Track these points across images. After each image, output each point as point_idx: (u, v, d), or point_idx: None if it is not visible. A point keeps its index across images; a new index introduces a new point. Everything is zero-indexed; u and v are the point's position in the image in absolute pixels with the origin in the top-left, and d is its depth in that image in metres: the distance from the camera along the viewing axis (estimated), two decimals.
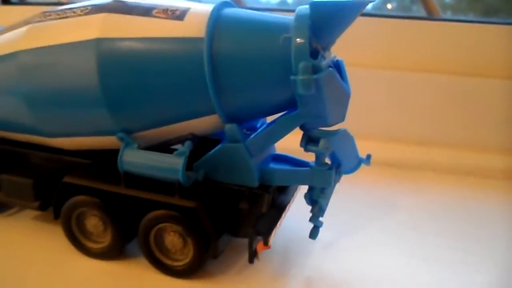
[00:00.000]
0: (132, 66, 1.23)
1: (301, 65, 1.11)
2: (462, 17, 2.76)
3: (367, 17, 2.34)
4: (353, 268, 1.43)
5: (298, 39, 1.13)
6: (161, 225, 1.32)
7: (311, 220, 1.41)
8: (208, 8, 1.27)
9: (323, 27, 1.15)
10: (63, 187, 1.40)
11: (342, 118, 1.27)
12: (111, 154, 1.33)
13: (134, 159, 1.29)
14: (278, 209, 1.38)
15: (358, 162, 1.44)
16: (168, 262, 1.36)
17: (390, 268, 1.43)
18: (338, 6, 1.14)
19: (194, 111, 1.27)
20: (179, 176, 1.24)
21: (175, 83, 1.23)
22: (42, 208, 1.49)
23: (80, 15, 1.31)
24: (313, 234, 1.42)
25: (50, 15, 1.38)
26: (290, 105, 1.25)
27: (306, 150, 1.31)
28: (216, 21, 1.20)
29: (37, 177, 1.48)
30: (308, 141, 1.29)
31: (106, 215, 1.37)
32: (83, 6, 1.34)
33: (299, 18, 1.15)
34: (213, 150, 1.30)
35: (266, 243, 1.22)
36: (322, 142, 1.25)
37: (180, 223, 1.29)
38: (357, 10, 1.15)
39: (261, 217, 1.29)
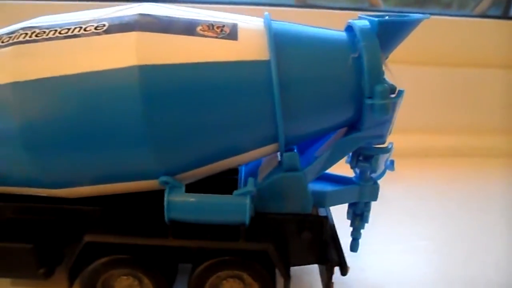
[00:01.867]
0: (182, 98, 1.02)
1: (379, 88, 1.06)
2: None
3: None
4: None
5: (371, 60, 1.07)
6: (220, 273, 1.16)
7: (353, 234, 1.40)
8: (254, 22, 1.12)
9: (387, 44, 1.12)
10: (85, 249, 1.12)
11: (389, 134, 1.27)
12: (122, 196, 1.13)
13: (185, 204, 1.10)
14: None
15: (384, 169, 1.47)
16: None
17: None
18: (405, 24, 1.11)
19: (253, 143, 1.12)
20: (246, 218, 1.09)
21: (235, 114, 1.06)
22: (47, 275, 1.18)
23: (96, 33, 1.02)
24: (354, 247, 1.42)
25: (40, 33, 1.05)
26: (345, 125, 1.20)
27: (355, 167, 1.28)
28: (277, 41, 1.06)
29: (37, 240, 1.16)
30: (359, 159, 1.26)
31: (144, 274, 1.14)
32: (93, 21, 1.05)
33: (367, 36, 1.09)
34: (266, 181, 1.17)
35: (345, 273, 1.17)
36: (377, 160, 1.24)
37: (246, 268, 1.15)
38: (415, 25, 1.14)
39: (325, 244, 1.23)
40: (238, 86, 1.04)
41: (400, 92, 1.08)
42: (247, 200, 1.09)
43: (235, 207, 1.09)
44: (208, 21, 1.08)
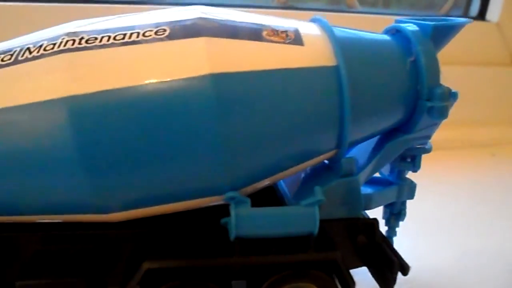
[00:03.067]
0: (256, 106, 0.96)
1: (439, 90, 1.09)
2: None
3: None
4: None
5: (429, 63, 1.10)
6: (290, 286, 1.11)
7: (388, 232, 1.43)
8: (309, 26, 1.09)
9: (435, 47, 1.15)
10: (147, 276, 1.01)
11: None
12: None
13: (253, 220, 1.04)
14: None
15: None
16: None
17: None
18: (454, 27, 1.15)
19: (316, 150, 1.09)
20: (315, 228, 1.06)
21: (304, 121, 1.02)
22: None
23: (159, 39, 0.93)
24: None
25: (91, 39, 0.92)
26: (391, 128, 1.21)
27: (397, 168, 1.31)
28: (341, 46, 1.04)
29: (87, 271, 1.02)
30: (401, 159, 1.29)
31: None
32: (151, 26, 0.95)
33: (422, 40, 1.11)
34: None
35: (406, 273, 1.18)
36: (420, 159, 1.28)
37: (312, 279, 1.12)
38: (460, 29, 1.18)
39: (379, 246, 1.24)
40: (309, 93, 1.01)
41: (455, 94, 1.12)
42: (315, 210, 1.06)
43: (305, 217, 1.06)
44: (270, 25, 1.03)
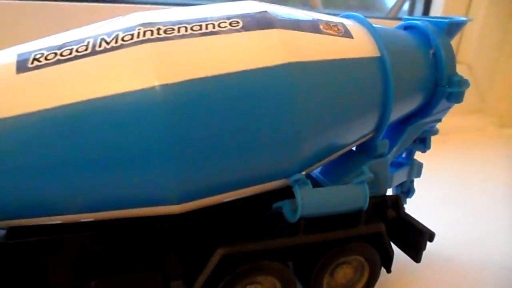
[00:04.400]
0: (324, 93, 1.03)
1: (456, 78, 1.26)
2: None
3: None
4: None
5: (448, 55, 1.26)
6: (339, 261, 1.21)
7: None
8: (350, 22, 1.20)
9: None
10: (219, 263, 1.03)
11: None
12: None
13: (316, 199, 1.11)
14: None
15: None
16: None
17: None
18: (460, 24, 1.33)
19: (365, 131, 1.19)
20: (365, 204, 1.17)
21: (357, 106, 1.12)
22: None
23: (235, 30, 0.96)
24: None
25: (169, 30, 0.93)
26: (412, 113, 1.36)
27: (409, 149, 1.47)
28: (381, 40, 1.16)
29: (162, 265, 1.01)
30: (413, 141, 1.45)
31: (278, 278, 1.12)
32: (222, 18, 0.98)
33: (441, 35, 1.27)
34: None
35: (433, 240, 1.33)
36: (430, 140, 1.46)
37: (361, 252, 1.22)
38: (463, 26, 1.37)
39: (405, 219, 1.38)
40: (360, 80, 1.11)
41: (468, 82, 1.30)
42: (366, 188, 1.16)
43: (357, 194, 1.16)
44: (322, 19, 1.12)
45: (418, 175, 1.54)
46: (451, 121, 2.99)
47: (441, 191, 2.11)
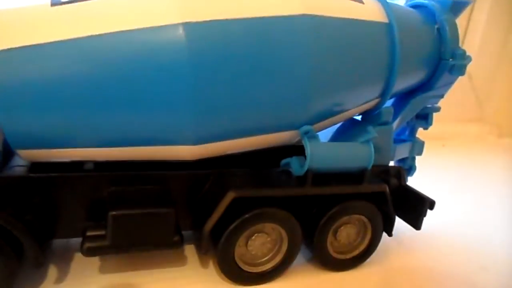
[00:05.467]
0: (336, 47, 1.10)
1: (460, 51, 1.33)
2: None
3: None
4: None
5: (452, 30, 1.33)
6: (344, 218, 1.25)
7: None
8: None
9: None
10: (232, 205, 1.08)
11: None
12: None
13: (323, 154, 1.16)
14: None
15: None
16: (341, 256, 1.30)
17: None
18: (464, 4, 1.40)
19: (371, 96, 1.25)
20: (370, 163, 1.22)
21: (367, 66, 1.19)
22: (180, 244, 1.08)
23: None
24: None
25: None
26: (417, 85, 1.42)
27: (414, 125, 1.53)
28: (390, 9, 1.23)
29: (176, 203, 1.06)
30: (416, 117, 1.51)
31: (283, 227, 1.16)
32: None
33: (446, 12, 1.35)
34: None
35: (433, 208, 1.37)
36: (432, 116, 1.52)
37: (365, 210, 1.27)
38: (466, 7, 1.45)
39: (406, 188, 1.42)
40: (369, 41, 1.18)
41: (470, 57, 1.37)
42: (371, 147, 1.22)
43: (363, 152, 1.21)
44: None
45: (420, 152, 1.59)
46: (451, 128, 3.07)
47: (442, 188, 2.17)
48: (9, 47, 0.88)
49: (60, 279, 1.12)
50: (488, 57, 3.42)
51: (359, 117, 1.38)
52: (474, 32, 3.27)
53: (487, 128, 3.59)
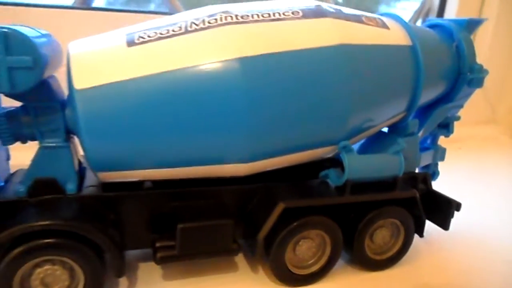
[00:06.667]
0: (369, 71, 1.23)
1: (477, 66, 1.46)
2: None
3: None
4: None
5: (469, 47, 1.47)
6: (379, 222, 1.38)
7: None
8: (387, 18, 1.41)
9: None
10: (282, 214, 1.21)
11: None
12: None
13: (359, 165, 1.30)
14: None
15: None
16: (377, 257, 1.42)
17: None
18: (478, 23, 1.54)
19: (399, 110, 1.38)
20: (401, 171, 1.35)
21: (395, 85, 1.32)
22: (237, 251, 1.22)
23: (296, 18, 1.18)
24: None
25: (245, 16, 1.14)
26: (437, 98, 1.55)
27: (436, 134, 1.66)
28: (412, 32, 1.37)
29: (235, 215, 1.20)
30: (437, 126, 1.64)
31: (327, 233, 1.30)
32: (285, 9, 1.20)
33: (462, 31, 1.48)
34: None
35: (459, 209, 1.49)
36: (453, 125, 1.64)
37: (397, 215, 1.39)
38: (479, 26, 1.58)
39: (434, 192, 1.54)
40: (397, 63, 1.31)
41: (487, 71, 1.49)
42: (401, 157, 1.35)
43: (394, 162, 1.34)
44: (363, 14, 1.33)
45: (442, 158, 1.71)
46: (465, 131, 3.19)
47: (458, 189, 2.28)
48: (97, 84, 1.03)
49: (132, 285, 1.26)
50: (498, 60, 3.54)
51: (385, 129, 1.52)
52: (484, 34, 3.39)
53: (501, 129, 3.70)
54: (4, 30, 0.96)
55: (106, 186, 1.21)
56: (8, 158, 1.41)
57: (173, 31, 1.11)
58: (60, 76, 1.20)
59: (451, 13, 3.35)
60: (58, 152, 1.15)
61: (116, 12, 2.57)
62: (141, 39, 1.10)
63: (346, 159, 1.27)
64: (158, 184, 1.25)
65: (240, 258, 1.44)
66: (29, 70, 0.99)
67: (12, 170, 1.32)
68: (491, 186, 2.41)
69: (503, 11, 3.35)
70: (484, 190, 2.31)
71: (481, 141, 3.43)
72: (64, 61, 1.14)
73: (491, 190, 2.34)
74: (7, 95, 1.05)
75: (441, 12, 3.42)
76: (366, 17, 1.32)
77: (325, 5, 1.27)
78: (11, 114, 1.12)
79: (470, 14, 3.31)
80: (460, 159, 2.85)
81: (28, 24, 1.12)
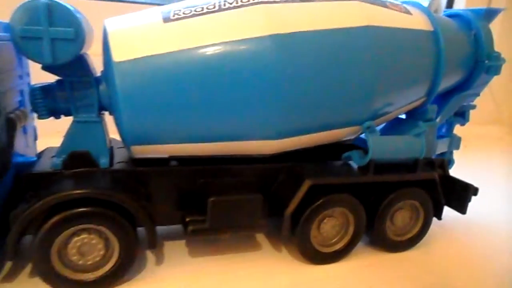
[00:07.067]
0: (393, 53, 1.27)
1: (495, 53, 1.50)
2: None
3: None
4: None
5: (487, 35, 1.50)
6: (400, 203, 1.40)
7: None
8: (409, 5, 1.45)
9: None
10: (309, 192, 1.24)
11: None
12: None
13: (383, 146, 1.33)
14: None
15: None
16: (397, 238, 1.45)
17: None
18: (496, 12, 1.58)
19: (419, 95, 1.42)
20: (422, 153, 1.39)
21: (417, 69, 1.36)
22: (264, 228, 1.25)
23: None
24: None
25: None
26: (455, 86, 1.59)
27: (452, 122, 1.69)
28: (434, 19, 1.41)
29: (263, 191, 1.23)
30: (454, 114, 1.68)
31: (350, 211, 1.32)
32: None
33: (481, 20, 1.52)
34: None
35: (477, 194, 1.53)
36: (469, 113, 1.68)
37: (417, 196, 1.42)
38: (497, 15, 1.62)
39: (451, 177, 1.58)
40: (419, 47, 1.35)
41: (504, 59, 1.53)
42: (423, 140, 1.38)
43: (416, 144, 1.37)
44: (386, 0, 1.37)
45: (457, 147, 1.74)
46: (471, 130, 3.23)
47: None
48: (135, 57, 1.06)
49: (159, 261, 1.29)
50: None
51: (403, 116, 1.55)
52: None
53: (506, 129, 3.74)
54: (47, 1, 0.99)
55: (135, 163, 1.24)
56: (35, 138, 1.44)
57: (208, 8, 1.15)
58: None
59: (459, 6, 3.41)
60: (91, 127, 1.18)
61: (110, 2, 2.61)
62: (177, 16, 1.13)
63: (370, 139, 1.30)
64: (184, 162, 1.28)
65: (262, 238, 1.46)
66: (70, 42, 1.02)
67: None
68: (494, 184, 2.44)
69: (511, 9, 3.40)
70: (489, 183, 2.34)
71: (487, 140, 3.48)
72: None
73: (494, 188, 2.37)
74: (46, 67, 1.08)
75: (449, 6, 3.48)
76: (391, 3, 1.36)
77: None
78: (46, 88, 1.15)
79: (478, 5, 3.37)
80: (466, 157, 2.89)
81: None
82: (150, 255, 1.31)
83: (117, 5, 2.68)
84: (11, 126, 1.10)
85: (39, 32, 0.99)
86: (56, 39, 1.01)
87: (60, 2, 1.02)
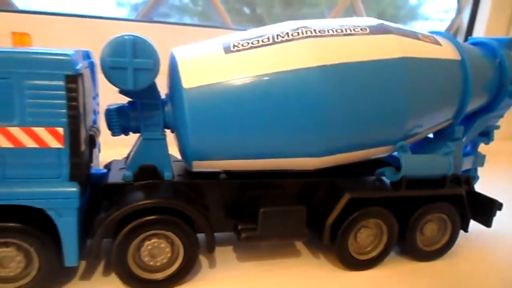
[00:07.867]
0: (425, 81, 1.42)
1: None
2: None
3: None
4: None
5: (510, 62, 1.63)
6: (429, 216, 1.53)
7: None
8: (438, 36, 1.58)
9: None
10: (347, 204, 1.38)
11: None
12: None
13: (414, 164, 1.46)
14: None
15: None
16: (427, 248, 1.58)
17: None
18: None
19: (448, 117, 1.55)
20: (450, 171, 1.51)
21: (446, 94, 1.50)
22: (306, 236, 1.39)
23: (365, 33, 1.37)
24: None
25: (321, 31, 1.34)
26: (479, 109, 1.71)
27: (477, 141, 1.81)
28: (461, 48, 1.54)
29: (304, 203, 1.37)
30: (479, 134, 1.80)
31: (384, 222, 1.46)
32: (354, 26, 1.39)
33: (504, 48, 1.65)
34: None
35: (501, 209, 1.64)
36: (493, 133, 1.80)
37: (445, 210, 1.55)
38: None
39: (476, 193, 1.69)
40: (449, 75, 1.49)
41: None
42: (450, 158, 1.51)
43: (444, 162, 1.50)
44: (418, 31, 1.51)
45: (482, 164, 1.86)
46: (493, 146, 3.34)
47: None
48: (202, 84, 1.22)
49: (212, 264, 1.44)
50: None
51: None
52: None
53: None
54: (132, 37, 1.16)
55: (190, 175, 1.40)
56: (99, 151, 1.61)
57: (263, 41, 1.31)
58: None
59: (479, 32, 3.52)
60: (157, 143, 1.34)
61: (171, 25, 2.82)
62: (236, 48, 1.29)
63: (403, 158, 1.44)
64: (232, 176, 1.43)
65: (302, 246, 1.60)
66: (149, 71, 1.19)
67: None
68: None
69: None
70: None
71: (508, 156, 3.56)
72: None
73: None
74: (124, 91, 1.25)
75: (469, 31, 3.60)
76: (422, 34, 1.51)
77: (387, 23, 1.46)
78: (121, 109, 1.32)
79: (497, 33, 3.48)
80: (487, 172, 2.99)
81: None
82: (204, 260, 1.46)
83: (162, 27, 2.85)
84: (91, 142, 1.27)
85: (125, 63, 1.16)
86: (137, 68, 1.18)
87: (142, 36, 1.19)
